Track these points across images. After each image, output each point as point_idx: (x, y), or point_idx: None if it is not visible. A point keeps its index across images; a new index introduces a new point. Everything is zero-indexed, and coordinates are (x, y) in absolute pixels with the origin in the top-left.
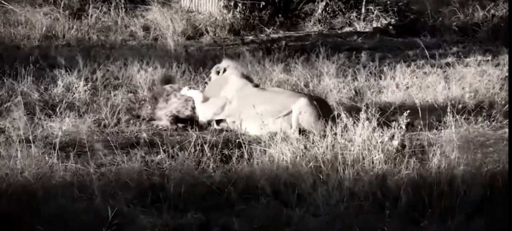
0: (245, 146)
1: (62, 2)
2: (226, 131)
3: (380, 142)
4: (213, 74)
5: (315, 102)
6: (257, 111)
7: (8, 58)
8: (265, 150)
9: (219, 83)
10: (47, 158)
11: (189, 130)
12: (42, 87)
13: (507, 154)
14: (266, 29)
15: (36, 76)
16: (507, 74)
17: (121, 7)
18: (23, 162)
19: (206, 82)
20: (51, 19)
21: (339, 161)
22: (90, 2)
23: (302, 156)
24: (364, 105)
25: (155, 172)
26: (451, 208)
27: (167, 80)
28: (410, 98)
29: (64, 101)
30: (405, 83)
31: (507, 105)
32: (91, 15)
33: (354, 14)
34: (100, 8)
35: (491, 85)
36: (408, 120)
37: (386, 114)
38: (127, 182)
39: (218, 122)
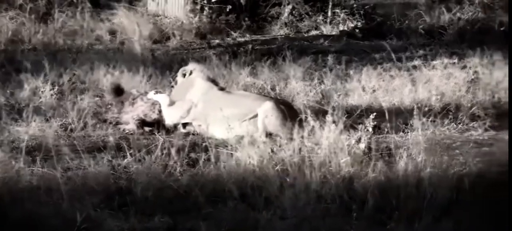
0: (212, 150)
1: (28, 7)
2: (193, 134)
3: (347, 145)
4: (179, 77)
5: (281, 106)
6: (223, 114)
7: None
8: (232, 153)
9: (185, 86)
10: (13, 162)
11: (156, 133)
12: (8, 91)
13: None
14: (232, 32)
15: (2, 80)
16: (473, 77)
17: (87, 11)
18: None
19: (172, 86)
20: (17, 23)
21: (306, 164)
22: (56, 6)
23: (269, 159)
24: (330, 109)
25: (122, 176)
26: (418, 210)
27: (118, 89)
28: (376, 101)
29: (30, 106)
30: (371, 86)
31: (473, 107)
32: (57, 19)
33: (321, 17)
34: (66, 12)
35: (458, 88)
36: (375, 122)
37: (353, 117)
38: (94, 186)
39: (185, 125)
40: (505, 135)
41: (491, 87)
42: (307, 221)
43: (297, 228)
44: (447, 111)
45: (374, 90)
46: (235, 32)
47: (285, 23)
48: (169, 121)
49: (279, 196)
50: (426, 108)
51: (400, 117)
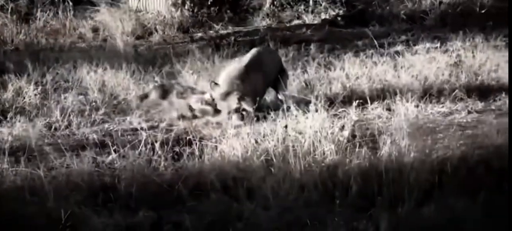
0: (196, 143)
1: (9, 7)
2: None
3: (331, 133)
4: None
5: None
6: None
7: None
8: (216, 146)
9: None
10: None
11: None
12: None
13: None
14: (215, 25)
15: None
16: (456, 60)
17: (69, 10)
18: None
19: (156, 81)
20: None
21: (290, 154)
22: (38, 6)
23: (253, 150)
24: (314, 98)
25: (106, 173)
26: (401, 195)
27: (165, 91)
28: (360, 88)
29: (14, 106)
30: (354, 73)
31: (455, 90)
32: (39, 18)
33: (302, 7)
34: (47, 11)
35: (440, 72)
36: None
37: (336, 105)
38: (79, 183)
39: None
40: (488, 117)
41: (474, 70)
42: (290, 210)
43: (280, 217)
44: (430, 96)
45: (357, 78)
46: (217, 24)
47: (267, 14)
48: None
49: (263, 187)
50: (409, 94)
51: (383, 102)
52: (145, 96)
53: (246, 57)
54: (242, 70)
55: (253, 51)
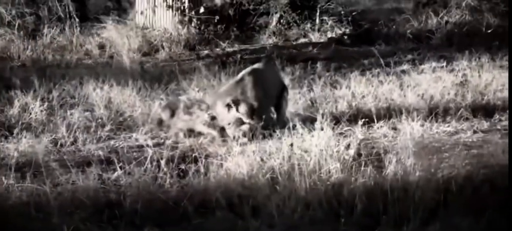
0: (202, 160)
1: (17, 23)
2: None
3: (336, 151)
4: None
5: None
6: None
7: None
8: (221, 164)
9: None
10: (3, 179)
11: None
12: None
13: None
14: (221, 43)
15: None
16: (461, 79)
17: (76, 26)
18: None
19: (161, 99)
20: (6, 40)
21: (296, 172)
22: (45, 22)
23: (259, 168)
24: (320, 116)
25: (111, 189)
26: (406, 214)
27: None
28: (366, 107)
29: (20, 122)
30: (360, 92)
31: (461, 109)
32: (46, 35)
33: (309, 25)
34: (54, 28)
35: (446, 91)
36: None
37: (342, 123)
38: (84, 200)
39: None
40: (493, 137)
41: (480, 89)
42: (295, 228)
43: None
44: (436, 115)
45: (363, 96)
46: (223, 42)
47: (274, 32)
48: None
49: (268, 205)
50: (415, 113)
51: (389, 121)
52: (160, 122)
53: (240, 74)
54: (233, 83)
55: (249, 68)
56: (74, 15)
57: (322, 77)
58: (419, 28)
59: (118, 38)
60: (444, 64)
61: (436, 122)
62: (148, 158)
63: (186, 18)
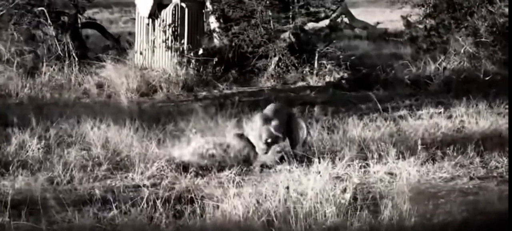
0: (198, 201)
1: (16, 61)
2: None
3: (332, 195)
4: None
5: None
6: None
7: None
8: (218, 205)
9: None
10: None
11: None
12: None
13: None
14: (219, 85)
15: None
16: (458, 126)
17: (75, 65)
18: None
19: (158, 139)
20: (4, 77)
21: (292, 215)
22: (44, 60)
23: (255, 210)
24: (316, 159)
25: (107, 228)
26: None
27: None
28: (362, 151)
29: (17, 160)
30: (357, 136)
31: (458, 156)
32: (45, 73)
33: (307, 69)
34: (53, 66)
35: (443, 137)
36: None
37: (338, 167)
38: None
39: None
40: (489, 184)
41: (477, 136)
42: None
43: None
44: (432, 161)
45: (360, 141)
46: (222, 84)
47: (272, 75)
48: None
49: None
50: (411, 158)
51: (385, 166)
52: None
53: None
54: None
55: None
56: (73, 54)
57: (319, 121)
58: (417, 74)
59: (116, 77)
60: (442, 110)
61: (432, 167)
62: (144, 198)
63: (185, 60)
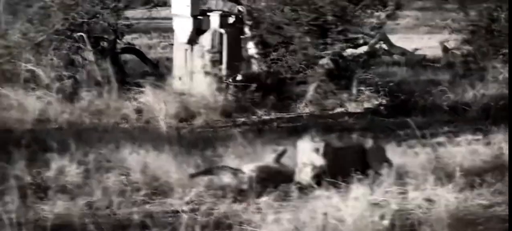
0: (236, 227)
1: (55, 86)
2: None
3: (371, 222)
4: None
5: None
6: None
7: (1, 142)
8: None
9: None
10: None
11: None
12: (34, 170)
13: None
14: (258, 111)
15: (29, 160)
16: (497, 153)
17: (114, 90)
18: None
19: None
20: (44, 102)
21: None
22: (83, 86)
23: None
24: (354, 186)
25: None
26: None
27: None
28: (401, 177)
29: (56, 185)
30: (396, 162)
31: (497, 183)
32: (84, 98)
33: (345, 95)
34: (92, 91)
35: (482, 164)
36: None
37: (377, 194)
38: None
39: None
40: None
41: None
42: None
43: None
44: (471, 188)
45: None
46: (260, 110)
47: (310, 101)
48: None
49: None
50: (450, 185)
51: (423, 192)
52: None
53: None
54: None
55: None
56: (112, 79)
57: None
58: (455, 100)
59: (155, 103)
60: (480, 137)
61: (471, 194)
62: (183, 224)
63: (224, 85)
